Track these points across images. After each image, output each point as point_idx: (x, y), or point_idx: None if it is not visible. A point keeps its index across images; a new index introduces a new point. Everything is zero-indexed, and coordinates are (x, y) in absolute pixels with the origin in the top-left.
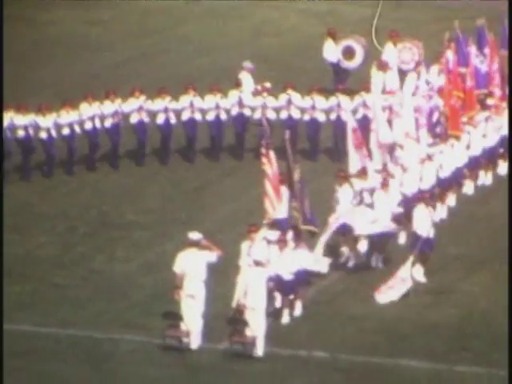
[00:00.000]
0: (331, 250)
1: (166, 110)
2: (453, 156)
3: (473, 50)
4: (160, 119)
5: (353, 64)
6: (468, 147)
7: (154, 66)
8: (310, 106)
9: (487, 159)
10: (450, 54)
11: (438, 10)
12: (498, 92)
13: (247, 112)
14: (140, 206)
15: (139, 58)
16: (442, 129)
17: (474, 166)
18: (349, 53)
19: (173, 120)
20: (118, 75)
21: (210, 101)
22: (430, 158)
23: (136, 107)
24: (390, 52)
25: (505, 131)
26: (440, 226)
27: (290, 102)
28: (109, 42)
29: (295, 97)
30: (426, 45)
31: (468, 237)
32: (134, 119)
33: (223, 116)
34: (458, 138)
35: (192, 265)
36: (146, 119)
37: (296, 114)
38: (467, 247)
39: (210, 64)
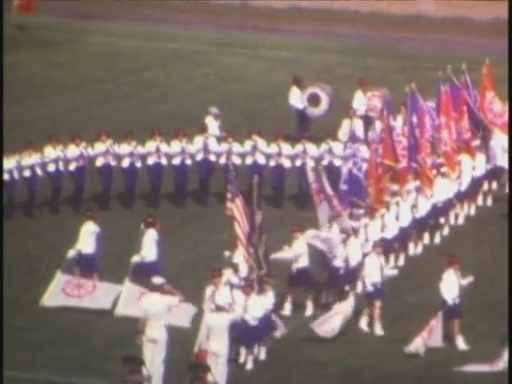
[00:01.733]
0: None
1: (131, 155)
2: (379, 228)
3: (414, 119)
4: (125, 163)
5: (318, 111)
6: (397, 218)
7: (117, 110)
8: (276, 153)
9: (418, 230)
10: (398, 120)
11: (404, 59)
12: (428, 162)
13: (212, 157)
14: (103, 250)
15: (103, 101)
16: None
17: (404, 237)
18: (314, 100)
19: (138, 164)
20: (81, 119)
21: (176, 146)
22: (354, 232)
23: (102, 151)
24: (359, 99)
25: (437, 199)
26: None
27: (255, 147)
28: (72, 85)
29: (261, 143)
30: (392, 94)
31: (427, 285)
32: (99, 163)
33: (188, 161)
34: (376, 211)
35: (154, 309)
36: (112, 163)
37: (261, 160)
38: (426, 295)
39: (175, 109)
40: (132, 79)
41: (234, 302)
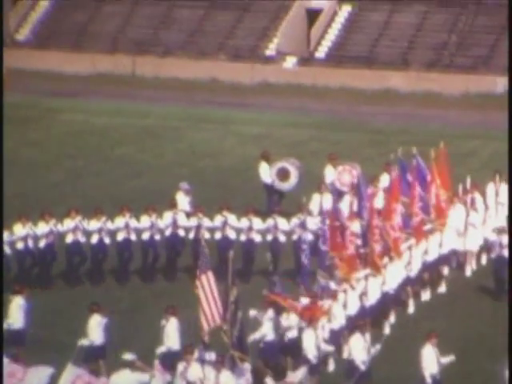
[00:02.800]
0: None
1: (100, 230)
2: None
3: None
4: (94, 239)
5: (287, 186)
6: (344, 306)
7: (88, 186)
8: (247, 227)
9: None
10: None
11: (374, 133)
12: (377, 248)
13: (181, 232)
14: (72, 326)
15: (74, 178)
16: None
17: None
18: (283, 174)
19: (107, 240)
20: (53, 196)
21: (145, 221)
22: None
23: (71, 227)
24: (330, 174)
25: (389, 286)
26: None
27: (225, 223)
28: (43, 162)
29: (231, 218)
30: (362, 168)
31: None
32: (69, 239)
33: (157, 236)
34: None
35: None
36: (82, 239)
37: (232, 235)
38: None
39: (147, 185)
40: (103, 156)
41: (205, 377)
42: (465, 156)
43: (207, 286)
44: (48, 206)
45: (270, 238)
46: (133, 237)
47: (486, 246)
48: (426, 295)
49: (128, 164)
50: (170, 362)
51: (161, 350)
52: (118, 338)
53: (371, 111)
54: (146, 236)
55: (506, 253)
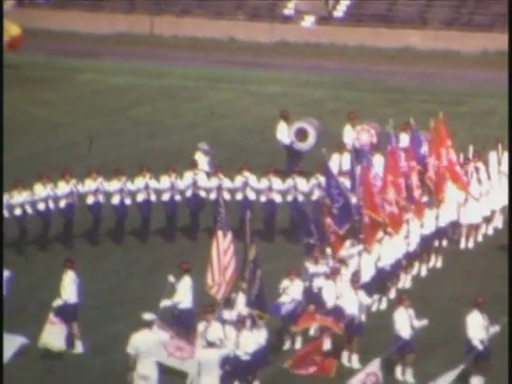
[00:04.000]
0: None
1: (121, 191)
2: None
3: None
4: (115, 200)
5: (306, 146)
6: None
7: (106, 147)
8: (267, 188)
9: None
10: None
11: (391, 93)
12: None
13: (202, 193)
14: (92, 286)
15: (89, 139)
16: None
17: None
18: (301, 134)
19: (128, 201)
20: (69, 156)
21: (165, 182)
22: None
23: (93, 188)
24: (348, 133)
25: (385, 262)
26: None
27: (246, 183)
28: (60, 122)
29: (251, 179)
30: (381, 127)
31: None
32: (90, 200)
33: (178, 197)
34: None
35: (145, 346)
36: (102, 200)
37: (252, 196)
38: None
39: (164, 145)
40: (120, 116)
41: (226, 337)
42: (484, 114)
43: (219, 245)
44: (65, 166)
45: (290, 198)
46: (153, 197)
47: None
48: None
49: (146, 124)
50: (183, 321)
51: (165, 304)
52: (138, 297)
53: (389, 70)
54: (166, 197)
55: None
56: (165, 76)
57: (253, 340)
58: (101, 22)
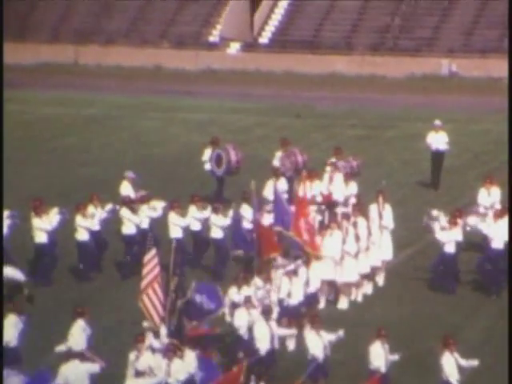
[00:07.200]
0: None
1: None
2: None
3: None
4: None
5: (219, 171)
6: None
7: (33, 177)
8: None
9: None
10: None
11: (320, 118)
12: None
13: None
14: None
15: (16, 169)
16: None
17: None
18: (219, 160)
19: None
20: None
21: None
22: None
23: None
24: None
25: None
26: None
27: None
28: None
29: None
30: (309, 152)
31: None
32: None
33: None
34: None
35: (74, 377)
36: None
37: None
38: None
39: (93, 174)
40: (47, 146)
41: (156, 366)
42: (410, 138)
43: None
44: None
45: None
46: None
47: (371, 274)
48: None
49: (73, 153)
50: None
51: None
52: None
53: (316, 96)
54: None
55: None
56: (91, 105)
57: (183, 368)
58: (25, 53)
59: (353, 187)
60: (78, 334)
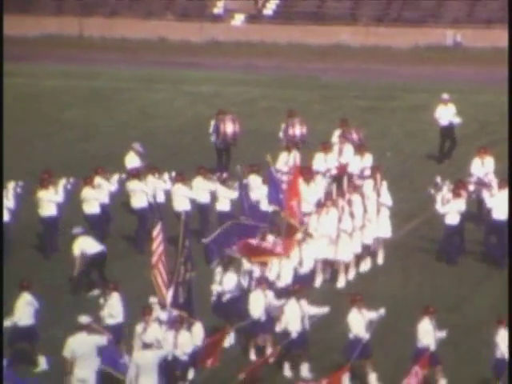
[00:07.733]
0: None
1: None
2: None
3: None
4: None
5: (218, 142)
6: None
7: (39, 150)
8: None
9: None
10: None
11: (325, 89)
12: None
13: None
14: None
15: (20, 143)
16: None
17: None
18: (219, 132)
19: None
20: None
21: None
22: None
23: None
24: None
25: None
26: None
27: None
28: None
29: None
30: (314, 124)
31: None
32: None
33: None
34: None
35: (82, 349)
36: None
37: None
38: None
39: (97, 148)
40: (52, 119)
41: (163, 338)
42: (416, 109)
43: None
44: None
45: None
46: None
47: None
48: None
49: (78, 127)
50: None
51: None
52: (75, 301)
53: (321, 67)
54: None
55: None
56: (96, 78)
57: (190, 340)
58: (29, 25)
59: (368, 159)
60: (23, 308)
